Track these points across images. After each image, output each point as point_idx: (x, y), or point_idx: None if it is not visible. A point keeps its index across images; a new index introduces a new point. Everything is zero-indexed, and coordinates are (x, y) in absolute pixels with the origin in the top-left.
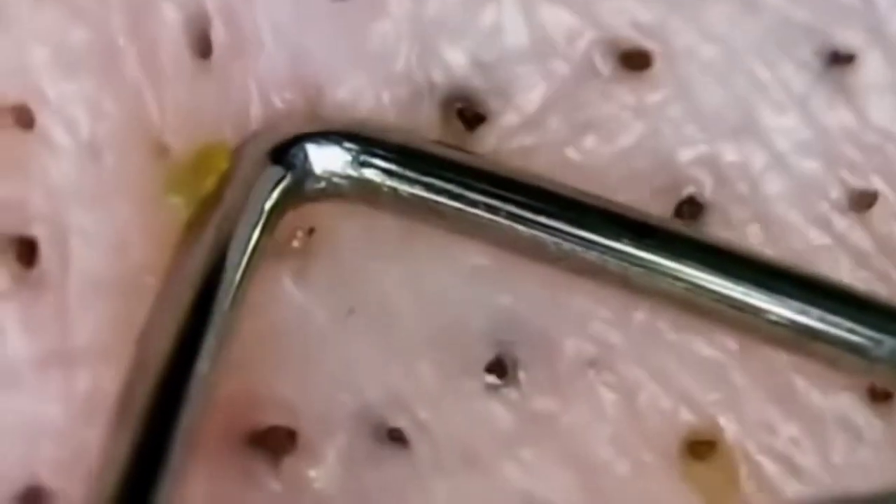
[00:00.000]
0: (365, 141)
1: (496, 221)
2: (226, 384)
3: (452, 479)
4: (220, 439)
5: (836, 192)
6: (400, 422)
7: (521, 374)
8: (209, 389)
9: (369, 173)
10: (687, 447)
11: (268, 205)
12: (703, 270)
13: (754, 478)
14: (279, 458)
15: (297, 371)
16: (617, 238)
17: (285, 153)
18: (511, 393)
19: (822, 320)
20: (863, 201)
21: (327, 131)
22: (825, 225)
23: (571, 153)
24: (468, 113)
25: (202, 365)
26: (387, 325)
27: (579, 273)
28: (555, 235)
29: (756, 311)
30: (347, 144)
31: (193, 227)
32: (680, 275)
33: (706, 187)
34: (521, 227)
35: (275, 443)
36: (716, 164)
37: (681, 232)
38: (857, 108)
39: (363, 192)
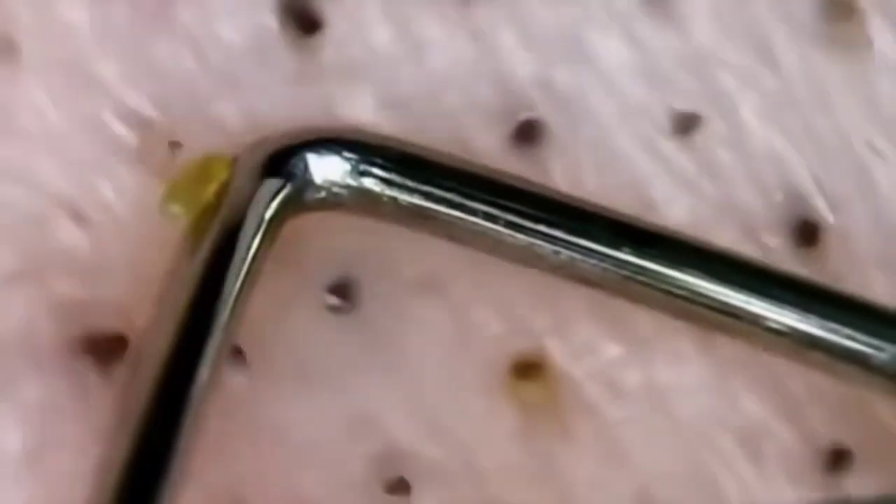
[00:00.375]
0: (365, 150)
1: (495, 230)
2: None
3: (287, 395)
4: (51, 345)
5: (661, 116)
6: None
7: (361, 296)
8: (208, 398)
9: (369, 183)
10: (514, 368)
11: (268, 214)
12: (702, 278)
13: (575, 398)
14: (109, 365)
15: (127, 278)
16: (617, 247)
17: (285, 163)
18: (350, 313)
19: (822, 328)
20: (687, 125)
21: (327, 141)
22: (651, 149)
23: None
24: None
25: (201, 374)
26: None
27: (579, 282)
28: (554, 244)
29: (755, 319)
30: (347, 154)
31: (192, 236)
32: (680, 283)
33: (542, 111)
34: (519, 236)
35: (105, 349)
36: (550, 87)
37: (681, 240)
38: (682, 30)
39: (363, 202)
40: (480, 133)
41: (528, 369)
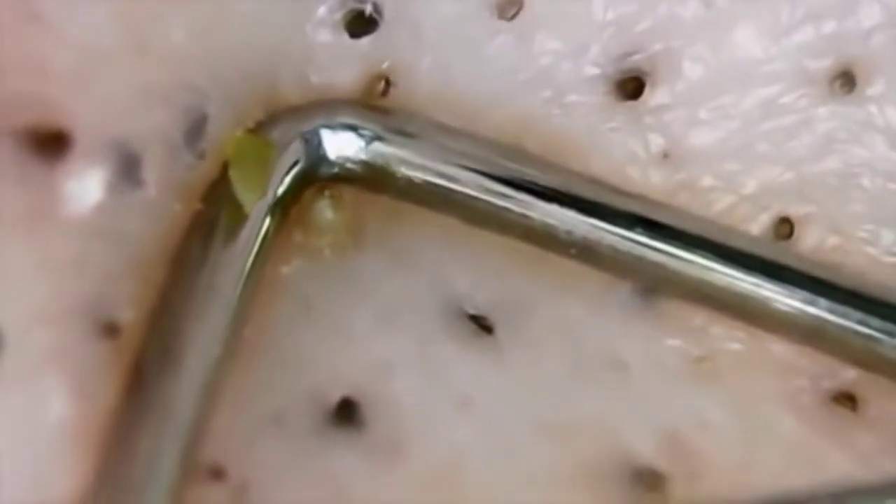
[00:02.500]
0: (380, 127)
1: (508, 209)
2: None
3: None
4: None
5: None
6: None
7: None
8: (220, 373)
9: (383, 160)
10: None
11: (280, 190)
12: (714, 261)
13: None
14: (52, 162)
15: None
16: (629, 227)
17: (299, 138)
18: None
19: (831, 311)
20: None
21: (342, 117)
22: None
23: None
24: None
25: (213, 349)
26: None
27: (591, 262)
28: (567, 224)
29: (765, 301)
30: (362, 131)
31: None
32: (690, 263)
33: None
34: (533, 215)
35: (49, 144)
36: None
37: (693, 222)
38: None
39: (377, 179)
40: None
41: None
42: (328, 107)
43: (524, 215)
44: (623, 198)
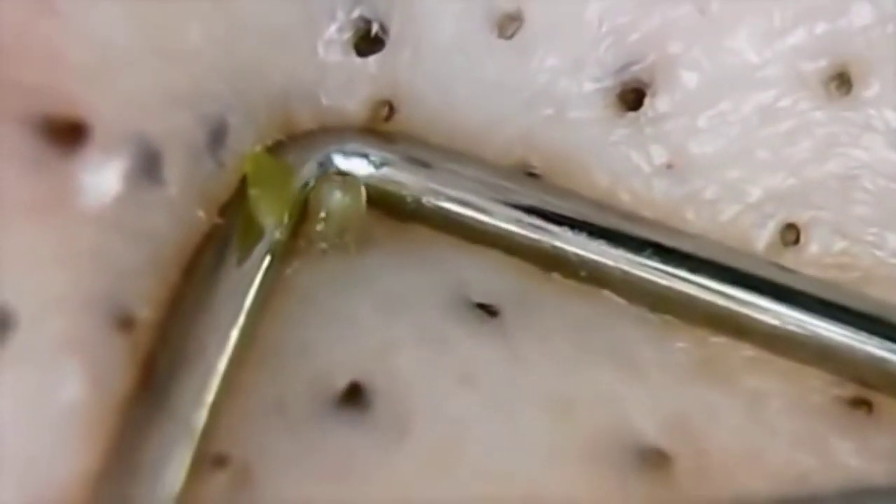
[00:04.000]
0: (390, 151)
1: (516, 233)
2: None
3: None
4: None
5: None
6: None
7: None
8: (231, 374)
9: (392, 184)
10: None
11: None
12: (723, 284)
13: None
14: (68, 153)
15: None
16: (638, 252)
17: (311, 161)
18: None
19: (839, 333)
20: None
21: (353, 141)
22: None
23: None
24: None
25: (224, 353)
26: None
27: (601, 285)
28: (576, 246)
29: (775, 325)
30: (372, 156)
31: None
32: (705, 289)
33: None
34: (542, 238)
35: (65, 134)
36: None
37: (706, 247)
38: None
39: (386, 202)
40: None
41: None
42: (340, 133)
43: (533, 239)
44: (635, 221)
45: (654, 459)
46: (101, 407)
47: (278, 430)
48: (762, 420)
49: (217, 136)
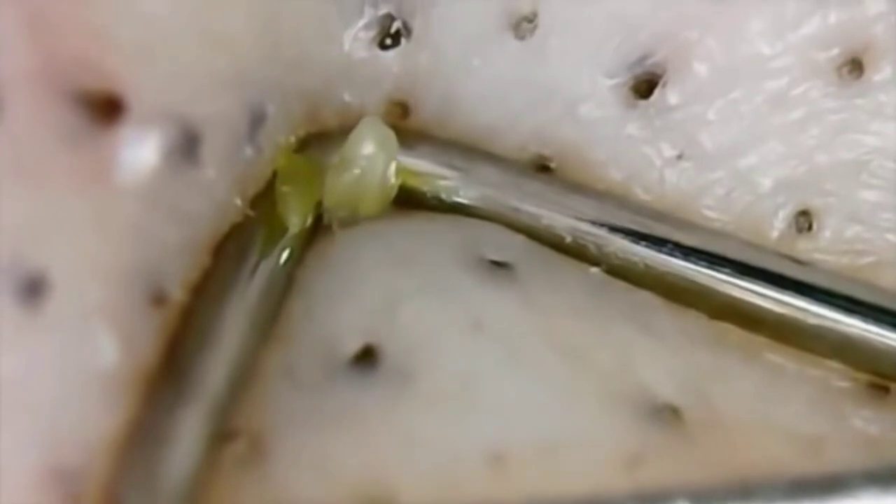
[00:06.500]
0: (408, 147)
1: (523, 221)
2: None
3: None
4: (52, 95)
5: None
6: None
7: None
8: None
9: (412, 178)
10: None
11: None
12: (751, 282)
13: None
14: (106, 127)
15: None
16: (658, 247)
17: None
18: None
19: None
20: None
21: None
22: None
23: None
24: None
25: (247, 338)
26: None
27: (621, 277)
28: (596, 238)
29: (796, 315)
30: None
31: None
32: (725, 282)
33: None
34: (559, 227)
35: (104, 109)
36: None
37: (723, 241)
38: None
39: (405, 197)
40: None
41: None
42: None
43: (549, 226)
44: (653, 213)
45: (667, 416)
46: (128, 377)
47: (290, 396)
48: (778, 386)
49: (256, 123)
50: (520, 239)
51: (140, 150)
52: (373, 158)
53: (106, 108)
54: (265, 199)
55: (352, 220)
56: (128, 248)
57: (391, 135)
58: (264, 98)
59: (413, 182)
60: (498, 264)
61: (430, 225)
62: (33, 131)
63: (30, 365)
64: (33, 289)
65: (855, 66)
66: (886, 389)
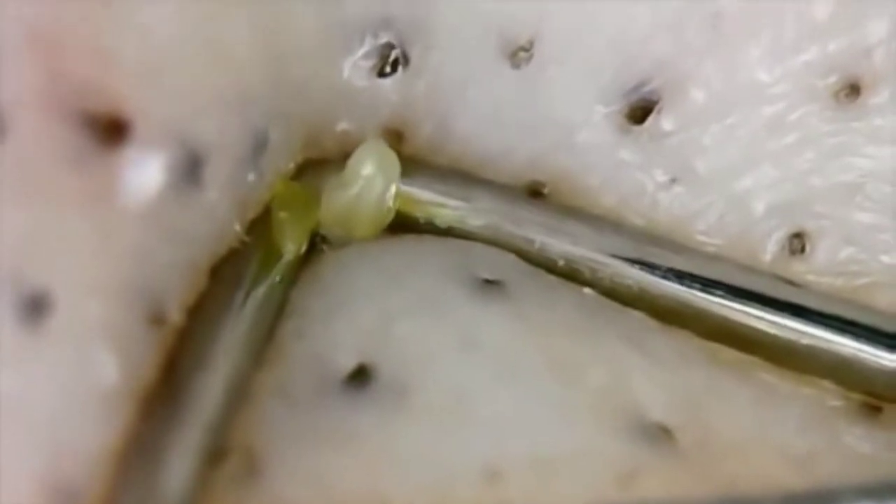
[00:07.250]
0: (404, 174)
1: (519, 246)
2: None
3: None
4: (56, 114)
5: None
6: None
7: None
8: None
9: (407, 204)
10: None
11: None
12: (745, 304)
13: None
14: (110, 148)
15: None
16: (652, 271)
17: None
18: None
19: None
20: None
21: None
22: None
23: None
24: None
25: (242, 359)
26: None
27: (616, 300)
28: (590, 262)
29: (789, 337)
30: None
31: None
32: (719, 305)
33: None
34: (552, 248)
35: (108, 130)
36: None
37: (716, 264)
38: None
39: (399, 223)
40: None
41: None
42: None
43: (542, 251)
44: (647, 242)
45: (660, 433)
46: (126, 394)
47: (284, 414)
48: (771, 405)
49: (259, 148)
50: (512, 258)
51: (144, 172)
52: (371, 179)
53: (110, 130)
54: (262, 224)
55: (345, 241)
56: (129, 268)
57: (394, 158)
58: (268, 123)
59: (408, 208)
60: (491, 282)
61: (423, 244)
62: (37, 151)
63: (30, 381)
64: (35, 307)
65: (852, 90)
66: (879, 409)
